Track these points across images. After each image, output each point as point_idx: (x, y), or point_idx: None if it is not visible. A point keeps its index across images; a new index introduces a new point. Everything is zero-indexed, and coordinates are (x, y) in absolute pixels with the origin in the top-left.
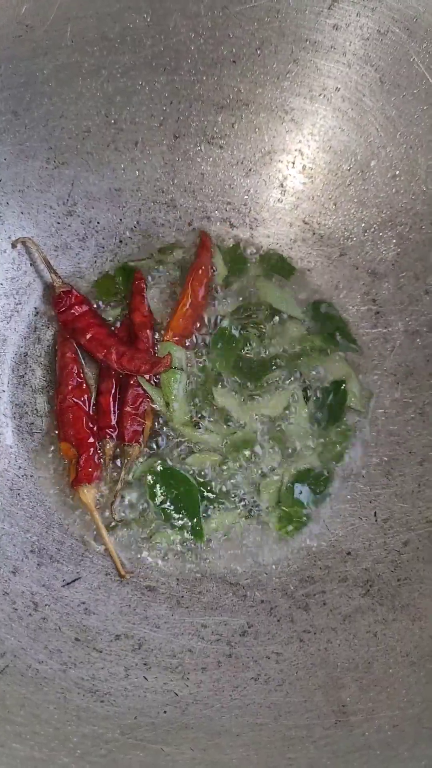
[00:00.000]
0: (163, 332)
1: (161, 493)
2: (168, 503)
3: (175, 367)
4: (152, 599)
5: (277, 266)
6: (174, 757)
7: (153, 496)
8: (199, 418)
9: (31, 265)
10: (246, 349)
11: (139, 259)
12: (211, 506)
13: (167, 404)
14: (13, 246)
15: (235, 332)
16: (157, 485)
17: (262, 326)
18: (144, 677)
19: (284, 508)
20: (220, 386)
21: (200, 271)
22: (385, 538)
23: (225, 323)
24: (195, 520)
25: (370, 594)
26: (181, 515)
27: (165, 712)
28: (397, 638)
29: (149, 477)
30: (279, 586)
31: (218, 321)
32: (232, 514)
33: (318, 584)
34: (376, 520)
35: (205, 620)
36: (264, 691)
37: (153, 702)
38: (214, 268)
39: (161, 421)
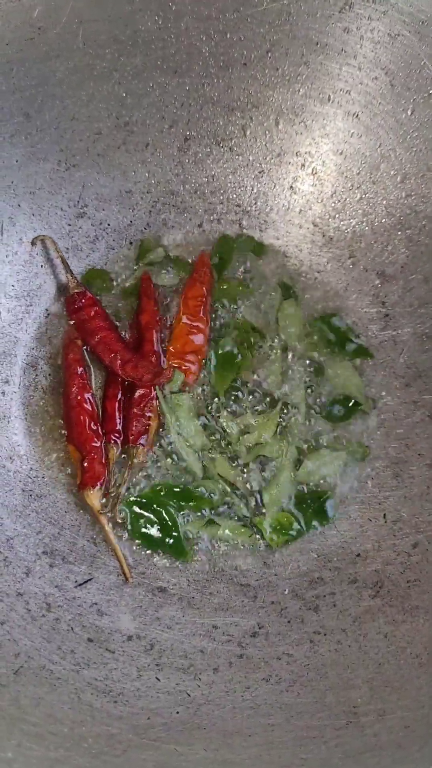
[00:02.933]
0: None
1: (144, 522)
2: (149, 528)
3: (174, 392)
4: (164, 600)
5: (253, 248)
6: (187, 757)
7: (137, 532)
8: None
9: (41, 266)
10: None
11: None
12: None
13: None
14: (33, 244)
15: (233, 350)
16: (140, 519)
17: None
18: (156, 678)
19: (278, 520)
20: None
21: (196, 287)
22: (395, 540)
23: (224, 342)
24: (174, 540)
25: (380, 595)
26: (162, 536)
27: (177, 712)
28: (408, 639)
29: (129, 514)
30: (289, 587)
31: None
32: (233, 523)
33: (328, 585)
34: (385, 522)
35: (215, 621)
36: (275, 691)
37: (165, 702)
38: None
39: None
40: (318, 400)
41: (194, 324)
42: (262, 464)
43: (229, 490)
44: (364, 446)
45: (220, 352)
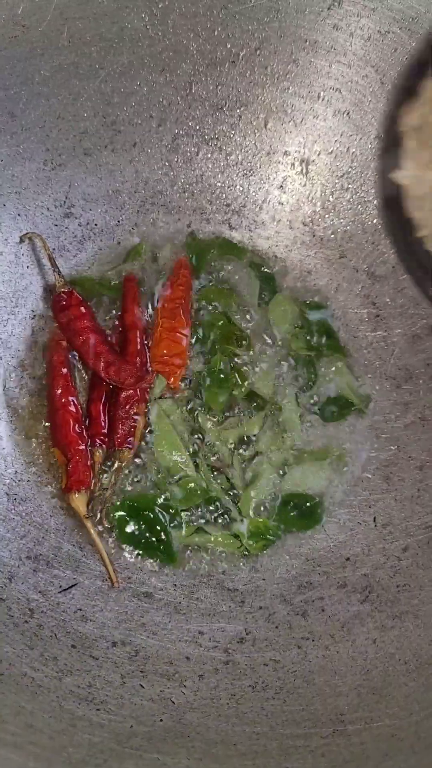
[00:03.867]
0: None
1: (132, 527)
2: (137, 532)
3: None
4: (149, 606)
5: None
6: (170, 766)
7: (125, 536)
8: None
9: (28, 267)
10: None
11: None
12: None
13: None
14: (21, 241)
15: (225, 367)
16: (128, 523)
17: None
18: (140, 685)
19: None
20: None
21: (175, 290)
22: (385, 544)
23: (216, 360)
24: (163, 541)
25: (369, 600)
26: (150, 541)
27: (161, 720)
28: (396, 645)
29: (116, 519)
30: (277, 592)
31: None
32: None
33: (317, 590)
34: (375, 526)
35: (202, 627)
36: (261, 699)
37: (149, 710)
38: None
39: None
40: (312, 399)
41: (175, 328)
42: (243, 469)
43: (213, 496)
44: (344, 456)
45: (213, 370)
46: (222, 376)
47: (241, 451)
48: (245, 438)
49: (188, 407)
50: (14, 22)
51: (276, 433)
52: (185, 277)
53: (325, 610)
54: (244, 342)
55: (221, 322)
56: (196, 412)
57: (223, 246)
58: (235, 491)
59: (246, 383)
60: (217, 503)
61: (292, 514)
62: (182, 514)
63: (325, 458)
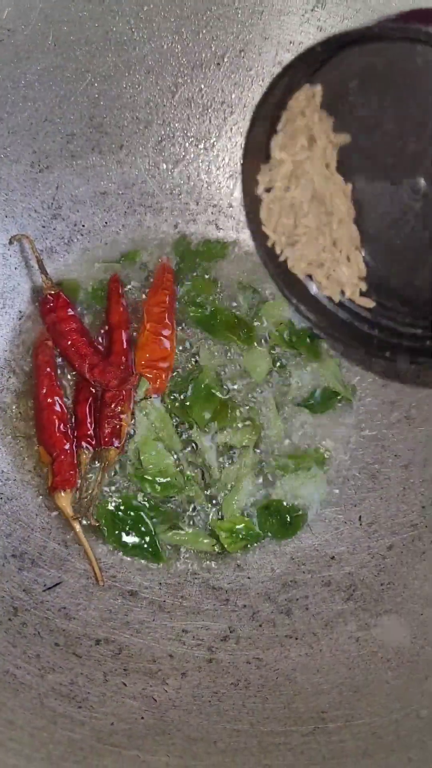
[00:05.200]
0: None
1: (120, 526)
2: (125, 532)
3: (143, 399)
4: (134, 604)
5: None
6: (149, 763)
7: (112, 536)
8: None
9: (16, 268)
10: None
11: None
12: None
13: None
14: (11, 242)
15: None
16: (115, 523)
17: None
18: (123, 682)
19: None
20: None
21: (159, 294)
22: (370, 542)
23: (202, 377)
24: (149, 540)
25: (353, 599)
26: (138, 540)
27: (142, 717)
28: (379, 644)
29: (104, 519)
30: (262, 590)
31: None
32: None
33: (301, 588)
34: (360, 524)
35: (186, 625)
36: (243, 696)
37: (131, 708)
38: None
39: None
40: (299, 393)
41: (159, 331)
42: (225, 473)
43: (191, 496)
44: (322, 458)
45: (201, 386)
46: (208, 393)
47: (222, 458)
48: (227, 444)
49: (171, 410)
50: None
51: (256, 435)
52: (169, 280)
53: (309, 608)
54: (245, 331)
55: (219, 316)
56: (178, 420)
57: (208, 248)
58: (215, 493)
59: (237, 413)
60: (194, 503)
61: (272, 521)
62: (159, 509)
63: (311, 466)
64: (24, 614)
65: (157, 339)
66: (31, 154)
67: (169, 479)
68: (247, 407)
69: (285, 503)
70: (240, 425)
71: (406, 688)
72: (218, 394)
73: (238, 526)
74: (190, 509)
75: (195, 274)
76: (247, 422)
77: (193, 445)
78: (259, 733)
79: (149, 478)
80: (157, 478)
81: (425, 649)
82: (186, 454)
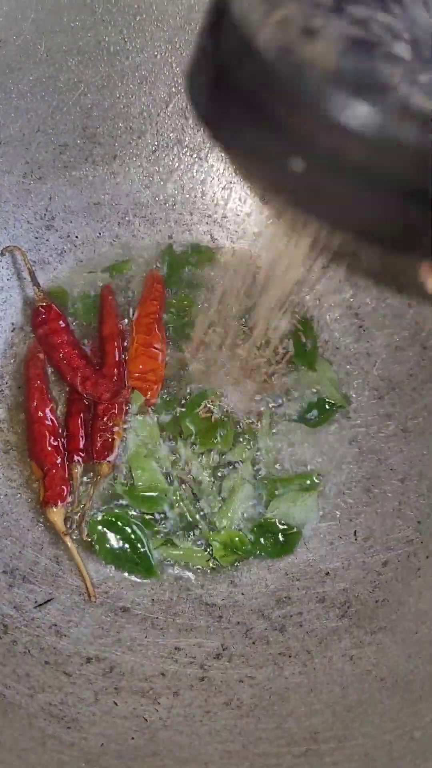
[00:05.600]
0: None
1: (111, 542)
2: (117, 547)
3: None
4: (126, 621)
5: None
6: None
7: (105, 551)
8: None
9: (8, 280)
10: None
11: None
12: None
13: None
14: (2, 254)
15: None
16: (107, 538)
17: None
18: (114, 702)
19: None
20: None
21: (148, 305)
22: (365, 558)
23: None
24: (142, 555)
25: (347, 615)
26: (130, 555)
27: (133, 738)
28: (373, 662)
29: (96, 534)
30: (255, 607)
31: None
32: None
33: (295, 605)
34: (356, 539)
35: (179, 642)
36: (235, 716)
37: (121, 728)
38: None
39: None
40: (299, 406)
41: (150, 342)
42: (217, 489)
43: (181, 512)
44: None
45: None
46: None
47: (215, 476)
48: (220, 460)
49: (160, 423)
50: None
51: (250, 452)
52: (158, 291)
53: (303, 625)
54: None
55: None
56: (170, 434)
57: (197, 254)
58: (206, 508)
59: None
60: (187, 515)
61: (266, 540)
62: (151, 524)
63: (304, 489)
64: (14, 632)
65: (148, 350)
66: (24, 164)
67: (158, 494)
68: (240, 422)
69: (279, 524)
70: (233, 442)
71: (399, 709)
72: (214, 410)
73: (234, 539)
74: (182, 524)
75: (181, 285)
76: (240, 439)
77: (180, 458)
78: (251, 754)
79: (139, 493)
80: (146, 493)
81: (420, 668)
82: (176, 468)
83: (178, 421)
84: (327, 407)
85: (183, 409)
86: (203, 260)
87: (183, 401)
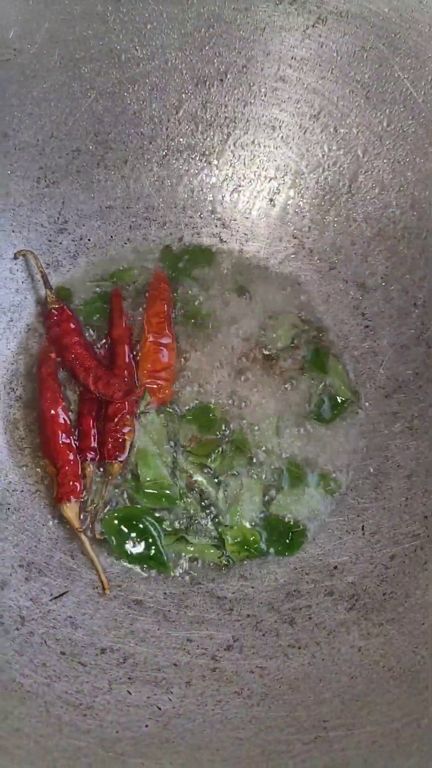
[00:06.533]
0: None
1: (125, 538)
2: (130, 543)
3: (143, 411)
4: (139, 613)
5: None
6: None
7: (119, 548)
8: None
9: (23, 282)
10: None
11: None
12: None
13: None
14: (15, 257)
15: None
16: (121, 535)
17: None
18: (128, 691)
19: (243, 534)
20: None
21: (156, 304)
22: (372, 552)
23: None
24: (155, 551)
25: (355, 608)
26: (143, 550)
27: (146, 726)
28: (381, 653)
29: (110, 531)
30: (265, 600)
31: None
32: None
33: (304, 598)
34: (363, 534)
35: (190, 634)
36: (246, 705)
37: (135, 716)
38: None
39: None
40: (308, 405)
41: (160, 341)
42: (222, 489)
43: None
44: (336, 482)
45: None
46: (209, 421)
47: (217, 479)
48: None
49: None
50: (5, 45)
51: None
52: (165, 290)
53: (312, 618)
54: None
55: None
56: (176, 435)
57: (195, 253)
58: (215, 507)
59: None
60: (194, 512)
61: (273, 538)
62: (163, 521)
63: (314, 485)
64: (31, 623)
65: (159, 350)
66: (38, 169)
67: (165, 491)
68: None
69: (286, 519)
70: (230, 453)
71: (407, 698)
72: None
73: (247, 536)
74: (191, 521)
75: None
76: (237, 449)
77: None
78: (262, 741)
79: (145, 489)
80: (151, 490)
81: (426, 658)
82: (179, 469)
83: (178, 427)
84: (338, 402)
85: (185, 416)
86: (201, 260)
87: (187, 407)
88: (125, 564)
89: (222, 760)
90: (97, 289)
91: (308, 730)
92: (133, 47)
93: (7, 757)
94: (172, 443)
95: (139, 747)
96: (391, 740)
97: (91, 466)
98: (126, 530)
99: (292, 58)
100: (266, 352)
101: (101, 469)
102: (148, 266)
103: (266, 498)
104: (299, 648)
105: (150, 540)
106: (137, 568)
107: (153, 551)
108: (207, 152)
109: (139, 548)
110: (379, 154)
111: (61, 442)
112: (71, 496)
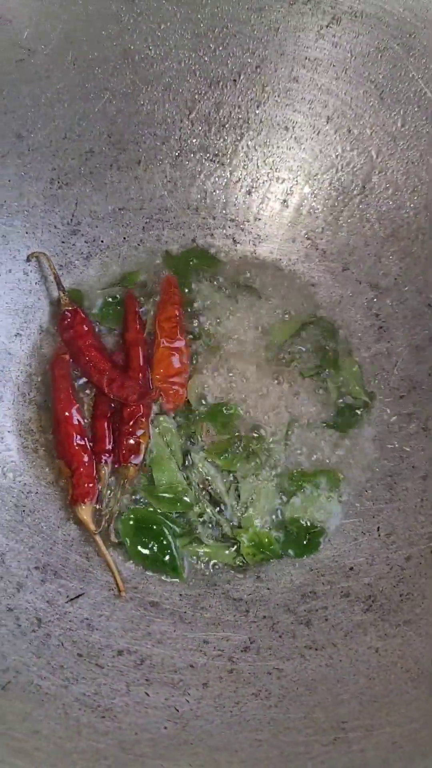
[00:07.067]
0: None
1: (140, 542)
2: (145, 547)
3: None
4: (155, 615)
5: (203, 259)
6: None
7: (133, 551)
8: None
9: (36, 284)
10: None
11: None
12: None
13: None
14: (28, 260)
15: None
16: (136, 538)
17: None
18: (145, 693)
19: (258, 536)
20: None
21: (168, 309)
22: (388, 553)
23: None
24: (169, 555)
25: (372, 609)
26: (158, 555)
27: (165, 728)
28: (399, 654)
29: (124, 534)
30: (281, 601)
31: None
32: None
33: (320, 600)
34: (379, 535)
35: (207, 636)
36: (264, 707)
37: (153, 718)
38: None
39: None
40: (323, 408)
41: (173, 346)
42: (235, 492)
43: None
44: (350, 484)
45: (224, 412)
46: (226, 420)
47: (231, 482)
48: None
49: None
50: (20, 46)
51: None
52: (176, 294)
53: (329, 619)
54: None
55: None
56: (189, 439)
57: (200, 257)
58: (229, 511)
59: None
60: (209, 515)
61: (290, 540)
62: (178, 523)
63: (326, 486)
64: (48, 625)
65: (172, 353)
66: (51, 171)
67: (177, 495)
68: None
69: (302, 522)
70: (244, 454)
71: (425, 698)
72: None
73: (263, 539)
74: (205, 524)
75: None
76: (251, 452)
77: (192, 462)
78: (281, 742)
79: (159, 493)
80: (166, 494)
81: None
82: (193, 472)
83: (192, 426)
84: (353, 406)
85: (200, 416)
86: (202, 265)
87: (203, 406)
88: (138, 565)
89: (240, 762)
90: (111, 294)
91: (327, 732)
92: (147, 47)
93: (27, 759)
94: (189, 442)
95: (158, 749)
96: (410, 741)
97: (105, 468)
98: (140, 535)
99: (306, 58)
100: (280, 354)
101: (116, 473)
102: (160, 268)
103: (280, 501)
104: (316, 649)
105: (165, 543)
106: (150, 570)
107: (167, 556)
108: (220, 153)
109: (154, 552)
110: (393, 154)
111: (75, 443)
112: (86, 498)
